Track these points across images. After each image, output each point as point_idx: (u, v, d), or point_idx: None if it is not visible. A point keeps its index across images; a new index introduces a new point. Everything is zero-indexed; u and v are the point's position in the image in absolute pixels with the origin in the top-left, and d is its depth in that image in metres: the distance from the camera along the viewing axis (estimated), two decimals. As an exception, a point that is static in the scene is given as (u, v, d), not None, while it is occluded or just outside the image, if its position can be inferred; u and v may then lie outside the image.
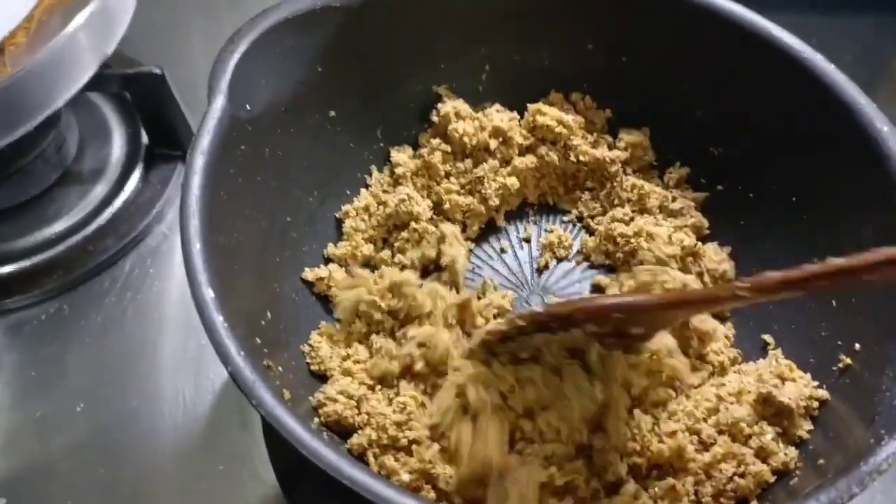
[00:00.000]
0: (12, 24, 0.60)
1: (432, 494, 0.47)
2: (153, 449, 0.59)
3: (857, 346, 0.50)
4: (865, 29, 0.87)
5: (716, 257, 0.59)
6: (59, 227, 0.69)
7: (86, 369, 0.62)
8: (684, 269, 0.59)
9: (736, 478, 0.47)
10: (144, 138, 0.74)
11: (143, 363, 0.63)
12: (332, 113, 0.60)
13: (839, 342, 0.51)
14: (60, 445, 0.59)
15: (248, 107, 0.51)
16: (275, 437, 0.47)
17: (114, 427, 0.60)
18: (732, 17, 0.57)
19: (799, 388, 0.50)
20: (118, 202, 0.70)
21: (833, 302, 0.52)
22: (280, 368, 0.47)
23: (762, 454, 0.48)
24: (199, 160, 0.47)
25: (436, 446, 0.49)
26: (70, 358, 0.63)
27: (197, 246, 0.43)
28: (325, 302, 0.58)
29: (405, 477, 0.47)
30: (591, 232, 0.64)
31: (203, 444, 0.59)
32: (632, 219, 0.62)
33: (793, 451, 0.48)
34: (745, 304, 0.46)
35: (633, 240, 0.60)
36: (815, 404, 0.50)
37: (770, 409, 0.50)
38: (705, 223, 0.62)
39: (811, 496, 0.39)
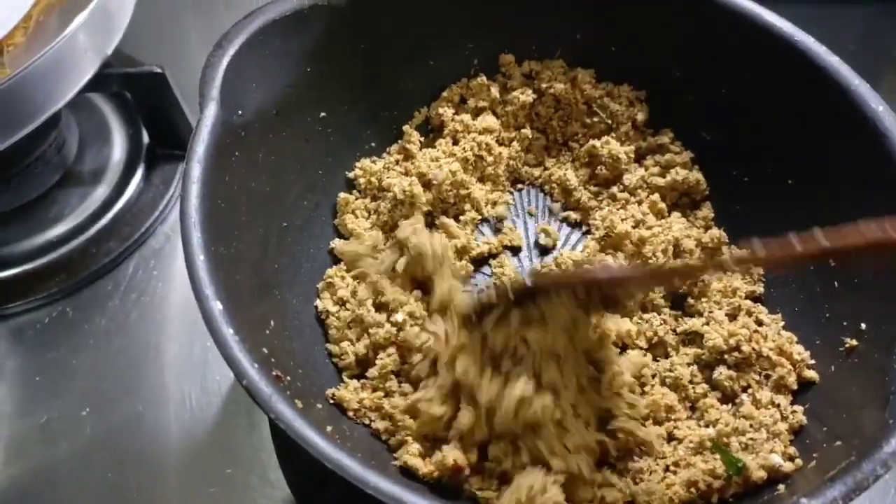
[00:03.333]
0: (10, 24, 0.58)
1: None
2: (160, 453, 0.58)
3: (863, 325, 0.49)
4: (868, 18, 0.86)
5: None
6: (60, 229, 0.67)
7: (90, 373, 0.61)
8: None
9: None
10: (146, 138, 0.72)
11: (148, 366, 0.61)
12: (323, 114, 0.58)
13: (844, 322, 0.50)
14: (66, 451, 0.58)
15: (239, 112, 0.50)
16: (285, 441, 0.46)
17: (120, 432, 0.58)
18: (723, 2, 0.56)
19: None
20: (120, 203, 0.68)
21: (835, 283, 0.52)
22: (288, 378, 0.45)
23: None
24: (196, 169, 0.45)
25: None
26: (74, 362, 0.61)
27: (201, 258, 0.42)
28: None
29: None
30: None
31: (211, 448, 0.58)
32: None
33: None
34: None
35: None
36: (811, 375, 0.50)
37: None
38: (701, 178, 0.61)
39: (837, 480, 0.39)
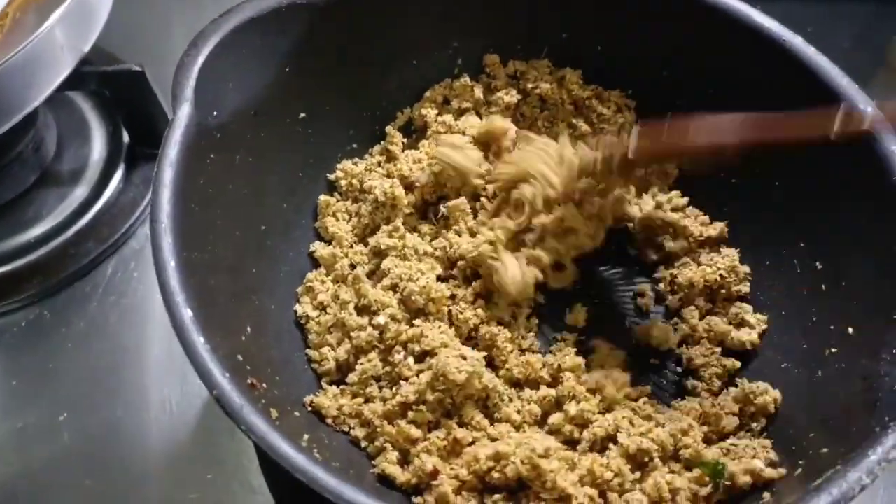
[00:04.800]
0: (-16, 21, 0.57)
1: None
2: (140, 459, 0.56)
3: (850, 330, 0.48)
4: (862, 16, 0.85)
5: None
6: (38, 230, 0.65)
7: (68, 378, 0.59)
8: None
9: None
10: (126, 137, 0.70)
11: (127, 370, 0.60)
12: (303, 115, 0.57)
13: (831, 327, 0.50)
14: (43, 457, 0.56)
15: (215, 113, 0.49)
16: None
17: (99, 437, 0.57)
18: (713, 3, 0.55)
19: None
20: (99, 203, 0.67)
21: (823, 286, 0.51)
22: (264, 385, 0.44)
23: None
24: (168, 173, 0.44)
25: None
26: (52, 366, 0.60)
27: (171, 264, 0.40)
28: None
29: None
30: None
31: (192, 453, 0.57)
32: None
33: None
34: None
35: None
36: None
37: None
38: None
39: (822, 489, 0.38)
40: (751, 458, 0.45)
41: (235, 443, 0.57)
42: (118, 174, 0.69)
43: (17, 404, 0.58)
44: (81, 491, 0.55)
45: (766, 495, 0.43)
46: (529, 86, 0.62)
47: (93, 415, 0.58)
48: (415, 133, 0.63)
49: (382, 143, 0.61)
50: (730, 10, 0.55)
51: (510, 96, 0.62)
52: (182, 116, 0.46)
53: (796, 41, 0.53)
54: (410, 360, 0.50)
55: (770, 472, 0.44)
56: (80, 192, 0.68)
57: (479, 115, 0.62)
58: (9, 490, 0.55)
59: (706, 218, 0.58)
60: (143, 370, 0.60)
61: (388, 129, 0.61)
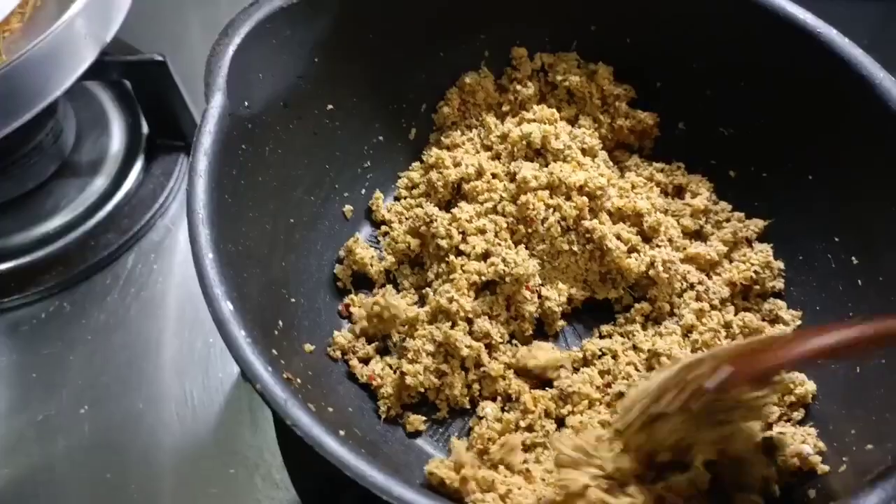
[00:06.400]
0: (6, 9, 0.56)
1: None
2: (161, 452, 0.56)
3: None
4: (882, 13, 0.84)
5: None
6: (57, 221, 0.64)
7: (89, 370, 0.59)
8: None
9: None
10: (145, 128, 0.70)
11: (148, 362, 0.59)
12: (331, 107, 0.56)
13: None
14: (64, 450, 0.56)
15: (246, 103, 0.48)
16: (291, 442, 0.45)
17: (119, 430, 0.56)
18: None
19: None
20: (119, 195, 0.66)
21: (859, 281, 0.51)
22: (299, 380, 0.43)
23: None
24: (203, 162, 0.43)
25: None
26: (72, 358, 0.59)
27: (210, 256, 0.40)
28: (335, 305, 0.55)
29: None
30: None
31: (213, 447, 0.56)
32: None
33: None
34: None
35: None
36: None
37: None
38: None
39: (876, 485, 0.38)
40: (800, 443, 0.45)
41: (257, 437, 0.56)
42: (137, 165, 0.68)
43: (38, 396, 0.58)
44: (101, 483, 0.55)
45: (812, 492, 0.43)
46: (559, 78, 0.61)
47: (113, 407, 0.57)
48: (437, 130, 0.62)
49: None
50: (762, 1, 0.54)
51: (528, 89, 0.61)
52: (215, 106, 0.45)
53: (831, 33, 0.52)
54: None
55: (816, 459, 0.44)
56: (99, 184, 0.67)
57: (495, 114, 0.61)
58: (30, 482, 0.55)
59: (742, 215, 0.57)
60: (164, 363, 0.60)
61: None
